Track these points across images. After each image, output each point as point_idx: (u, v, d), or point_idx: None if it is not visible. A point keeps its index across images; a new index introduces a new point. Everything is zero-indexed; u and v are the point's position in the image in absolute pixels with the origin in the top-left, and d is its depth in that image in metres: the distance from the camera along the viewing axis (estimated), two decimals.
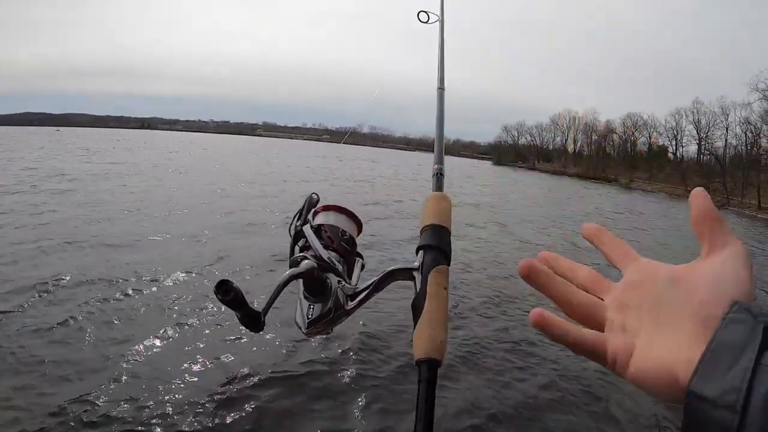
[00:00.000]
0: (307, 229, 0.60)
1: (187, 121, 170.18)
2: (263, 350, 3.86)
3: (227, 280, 0.45)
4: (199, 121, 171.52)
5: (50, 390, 3.23)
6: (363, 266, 0.63)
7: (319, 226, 0.62)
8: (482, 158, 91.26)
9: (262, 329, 0.50)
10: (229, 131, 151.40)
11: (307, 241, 0.60)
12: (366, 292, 0.55)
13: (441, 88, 0.90)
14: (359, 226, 0.66)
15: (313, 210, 0.63)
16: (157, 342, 3.96)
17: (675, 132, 55.66)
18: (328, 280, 0.55)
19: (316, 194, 0.63)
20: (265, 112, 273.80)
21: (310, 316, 0.54)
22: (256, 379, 3.45)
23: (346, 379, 3.55)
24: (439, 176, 0.69)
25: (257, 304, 0.53)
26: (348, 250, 0.61)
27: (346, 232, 0.62)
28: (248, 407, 3.15)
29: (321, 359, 3.78)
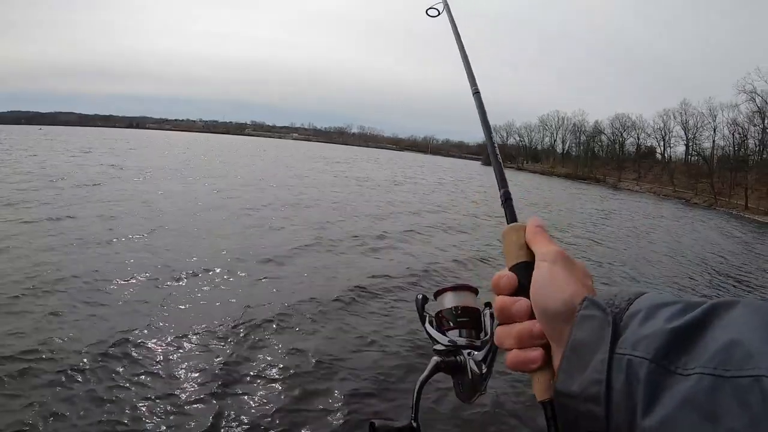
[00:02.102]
0: (426, 327, 0.67)
1: (175, 120, 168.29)
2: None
3: (371, 424, 0.56)
4: (188, 120, 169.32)
5: None
6: (493, 314, 0.64)
7: (438, 314, 0.67)
8: (471, 158, 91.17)
9: (419, 431, 0.60)
10: (217, 131, 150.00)
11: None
12: (489, 354, 0.60)
13: (476, 92, 0.79)
14: (471, 291, 0.69)
15: (425, 306, 0.69)
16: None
17: (663, 133, 55.92)
18: (458, 359, 0.62)
19: (421, 295, 0.70)
20: (254, 111, 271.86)
21: (462, 391, 0.62)
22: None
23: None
24: (508, 201, 0.64)
25: None
26: (467, 321, 0.65)
27: (458, 307, 0.66)
28: None
29: None
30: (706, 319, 0.36)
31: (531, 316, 0.48)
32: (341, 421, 3.33)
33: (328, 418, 3.36)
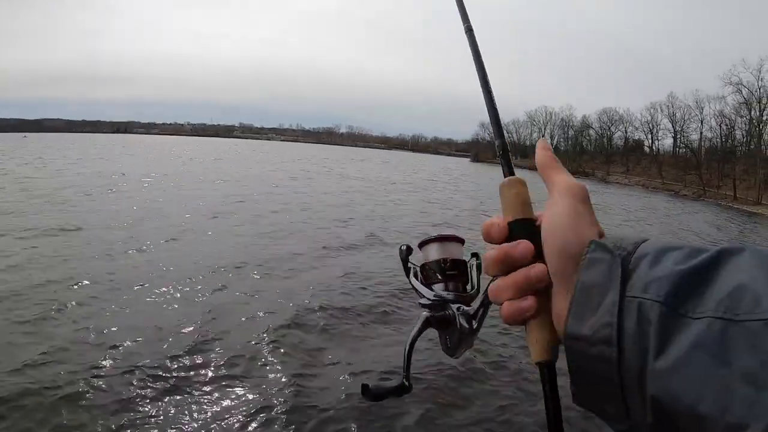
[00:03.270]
0: (411, 279, 0.64)
1: (163, 124, 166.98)
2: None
3: (364, 386, 0.53)
4: (176, 123, 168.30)
5: None
6: (479, 265, 0.62)
7: (423, 266, 0.64)
8: (461, 155, 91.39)
9: (410, 391, 0.56)
10: (206, 134, 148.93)
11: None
12: (480, 309, 0.57)
13: (469, 29, 0.68)
14: (458, 241, 0.64)
15: (409, 258, 0.65)
16: None
17: (650, 126, 55.82)
18: (447, 313, 0.59)
19: (405, 245, 0.66)
20: (241, 113, 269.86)
21: (448, 346, 0.60)
22: None
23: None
24: (504, 153, 0.58)
25: None
26: (454, 274, 0.62)
27: (446, 259, 0.62)
28: None
29: None
30: (714, 264, 0.36)
31: (533, 259, 0.46)
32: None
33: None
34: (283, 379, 3.69)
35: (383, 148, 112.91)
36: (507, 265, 0.47)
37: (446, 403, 3.50)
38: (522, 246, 0.46)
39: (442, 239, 0.63)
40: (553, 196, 0.47)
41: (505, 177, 0.54)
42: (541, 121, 74.16)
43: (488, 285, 0.52)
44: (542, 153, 0.51)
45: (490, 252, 0.48)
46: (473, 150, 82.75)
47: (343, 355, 4.12)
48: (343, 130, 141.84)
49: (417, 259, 0.64)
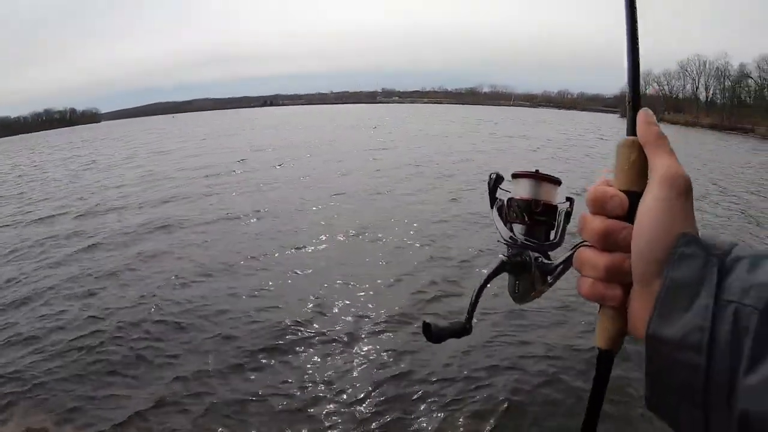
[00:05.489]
0: (494, 213, 0.60)
1: (307, 94, 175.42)
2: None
3: (426, 325, 0.53)
4: (319, 93, 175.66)
5: None
6: (569, 213, 0.59)
7: (510, 201, 0.59)
8: (608, 112, 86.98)
9: (470, 332, 0.55)
10: (349, 101, 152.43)
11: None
12: (560, 268, 0.55)
13: None
14: (555, 183, 0.59)
15: (498, 188, 0.61)
16: None
17: None
18: (524, 259, 0.57)
19: (494, 173, 0.61)
20: (383, 78, 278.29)
21: (516, 292, 0.59)
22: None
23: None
24: (634, 105, 0.49)
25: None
26: (543, 221, 0.58)
27: (538, 201, 0.58)
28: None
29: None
30: None
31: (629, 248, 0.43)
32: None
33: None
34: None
35: (528, 106, 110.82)
36: (609, 244, 0.45)
37: (478, 360, 3.78)
38: (628, 232, 0.44)
39: (538, 177, 0.59)
40: (651, 183, 0.43)
41: (627, 135, 0.49)
42: (695, 71, 68.63)
43: (576, 248, 0.50)
44: (645, 128, 0.46)
45: (595, 221, 0.45)
46: (620, 105, 79.23)
47: None
48: (485, 89, 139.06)
49: (508, 190, 0.60)
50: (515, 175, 0.60)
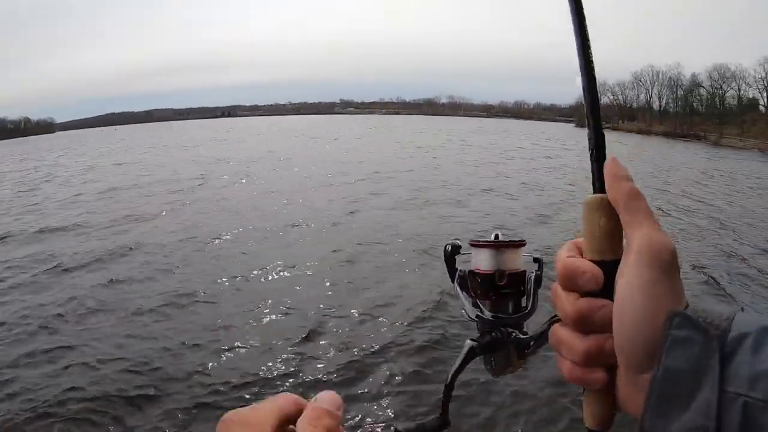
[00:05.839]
0: (456, 287, 0.56)
1: (266, 105, 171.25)
2: None
3: (394, 429, 0.48)
4: (277, 104, 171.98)
5: None
6: (539, 277, 0.55)
7: (473, 273, 0.55)
8: (565, 121, 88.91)
9: (449, 425, 0.50)
10: (307, 111, 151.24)
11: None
12: (537, 342, 0.51)
13: None
14: (518, 246, 0.55)
15: (456, 258, 0.57)
16: None
17: (766, 83, 51.64)
18: (496, 336, 0.53)
19: (450, 243, 0.57)
20: (339, 89, 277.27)
21: (492, 368, 0.56)
22: None
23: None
24: (599, 155, 0.43)
25: None
26: (510, 293, 0.54)
27: (503, 272, 0.53)
28: None
29: None
30: None
31: (610, 327, 0.38)
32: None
33: None
34: None
35: (484, 117, 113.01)
36: (586, 326, 0.40)
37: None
38: (605, 311, 0.39)
39: (499, 246, 0.54)
40: (629, 254, 0.38)
41: (594, 192, 0.42)
42: (648, 81, 69.41)
43: (550, 323, 0.46)
44: (615, 185, 0.39)
45: (568, 302, 0.41)
46: (576, 115, 76.39)
47: None
48: (443, 100, 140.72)
49: (466, 261, 0.55)
50: (473, 245, 0.56)
